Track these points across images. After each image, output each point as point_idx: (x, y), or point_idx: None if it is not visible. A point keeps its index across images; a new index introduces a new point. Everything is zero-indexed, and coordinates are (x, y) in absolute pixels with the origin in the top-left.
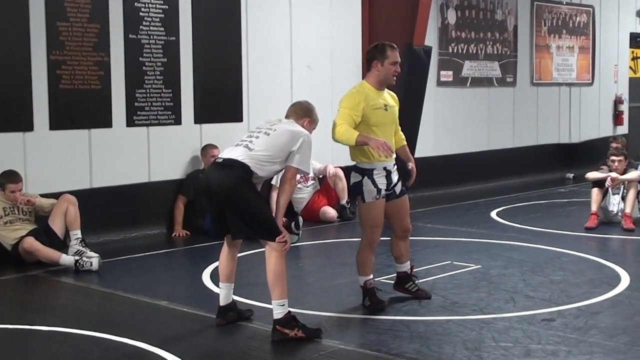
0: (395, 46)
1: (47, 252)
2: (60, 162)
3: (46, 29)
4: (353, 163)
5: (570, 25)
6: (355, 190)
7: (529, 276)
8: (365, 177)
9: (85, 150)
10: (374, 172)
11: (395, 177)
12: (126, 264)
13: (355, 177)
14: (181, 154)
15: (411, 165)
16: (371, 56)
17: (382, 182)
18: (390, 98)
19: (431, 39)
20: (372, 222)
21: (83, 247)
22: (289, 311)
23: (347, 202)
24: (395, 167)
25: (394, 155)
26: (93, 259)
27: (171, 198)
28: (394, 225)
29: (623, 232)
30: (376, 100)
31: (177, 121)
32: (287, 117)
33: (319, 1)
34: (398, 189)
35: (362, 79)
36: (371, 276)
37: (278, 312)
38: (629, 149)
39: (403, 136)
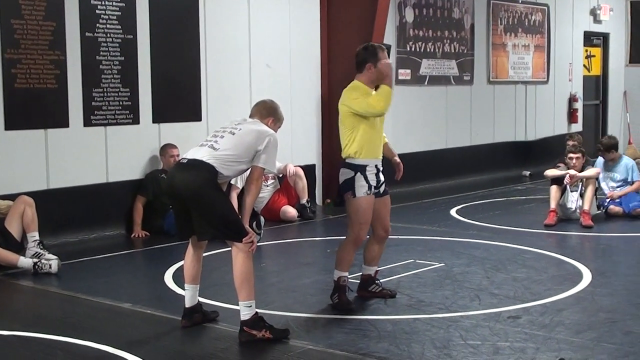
0: (384, 47)
1: (5, 255)
2: (16, 162)
3: (0, 27)
4: (312, 162)
5: (526, 23)
6: (346, 186)
7: (492, 274)
8: (358, 173)
9: (42, 150)
10: (367, 168)
11: (382, 176)
12: (86, 266)
13: (346, 174)
14: (140, 153)
15: (397, 159)
16: (363, 58)
17: (372, 179)
18: None
19: (389, 38)
20: (362, 218)
21: (41, 249)
22: (257, 312)
23: (307, 202)
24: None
25: (381, 156)
26: (52, 262)
27: (130, 198)
28: (375, 224)
29: (582, 229)
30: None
31: (135, 121)
32: (251, 116)
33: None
34: (382, 188)
35: (321, 76)
36: (347, 273)
37: (245, 313)
38: (584, 146)
39: (384, 134)
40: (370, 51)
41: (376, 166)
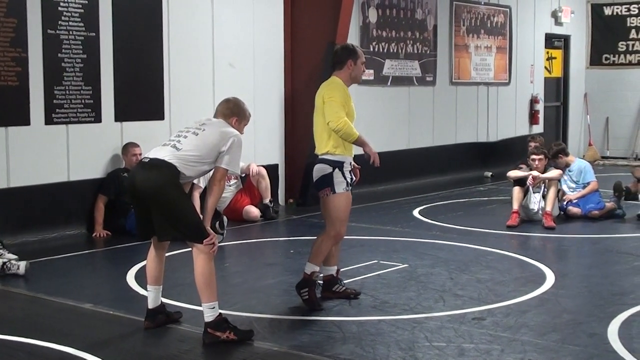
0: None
1: None
2: None
3: None
4: (275, 162)
5: (488, 25)
6: (324, 182)
7: (456, 275)
8: (336, 169)
9: (3, 148)
10: (344, 165)
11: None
12: (47, 266)
13: (324, 170)
14: (101, 152)
15: (354, 163)
16: (343, 57)
17: (348, 176)
18: None
19: (352, 38)
20: (343, 214)
21: (1, 248)
22: (220, 313)
23: (270, 201)
24: None
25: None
26: (21, 263)
27: (91, 197)
28: None
29: (544, 230)
30: (350, 97)
31: (97, 119)
32: (215, 116)
33: None
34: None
35: (284, 76)
36: (318, 269)
37: (209, 315)
38: (545, 148)
39: None
40: (351, 50)
41: (350, 163)
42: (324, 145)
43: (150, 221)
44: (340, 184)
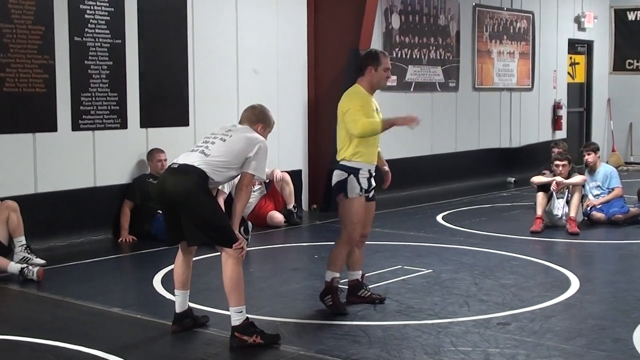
0: (387, 54)
1: None
2: (4, 166)
3: None
4: (299, 168)
5: (511, 30)
6: (339, 188)
7: (480, 280)
8: (351, 175)
9: (30, 154)
10: (360, 171)
11: (373, 182)
12: (74, 270)
13: (340, 175)
14: (127, 158)
15: (386, 168)
16: (364, 62)
17: (364, 183)
18: (376, 103)
19: (376, 44)
20: (354, 218)
21: (28, 253)
22: (247, 317)
23: (293, 207)
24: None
25: (375, 162)
26: (36, 269)
27: (117, 203)
28: None
29: (568, 235)
30: (370, 104)
31: (123, 125)
32: (240, 122)
33: (265, 5)
34: (372, 194)
35: (308, 82)
36: (338, 275)
37: (236, 319)
38: (569, 153)
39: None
40: (373, 56)
41: (369, 171)
42: (342, 152)
43: (179, 226)
44: (353, 189)
